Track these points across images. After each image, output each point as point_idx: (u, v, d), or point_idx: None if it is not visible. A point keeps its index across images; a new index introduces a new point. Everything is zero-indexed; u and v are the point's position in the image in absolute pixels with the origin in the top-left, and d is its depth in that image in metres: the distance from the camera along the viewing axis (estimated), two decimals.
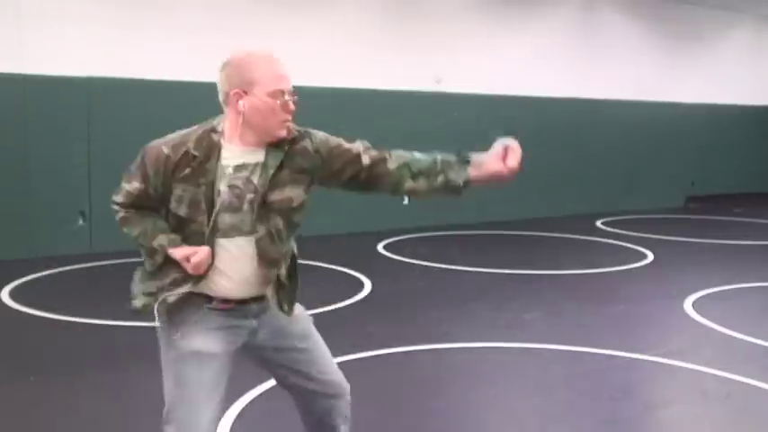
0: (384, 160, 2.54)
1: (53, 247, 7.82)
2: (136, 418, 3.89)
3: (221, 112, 2.51)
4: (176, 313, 2.50)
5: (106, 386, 4.31)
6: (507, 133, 2.50)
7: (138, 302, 2.54)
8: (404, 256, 8.28)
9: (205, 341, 2.49)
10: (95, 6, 7.98)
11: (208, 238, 2.44)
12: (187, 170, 2.42)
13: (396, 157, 2.55)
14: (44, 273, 7.08)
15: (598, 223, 11.06)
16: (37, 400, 4.10)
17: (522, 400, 4.28)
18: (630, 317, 6.07)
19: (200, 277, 2.46)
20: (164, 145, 2.45)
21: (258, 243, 2.46)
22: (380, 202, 9.43)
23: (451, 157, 2.54)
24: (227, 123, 2.48)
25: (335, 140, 2.57)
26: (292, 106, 2.47)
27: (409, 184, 2.54)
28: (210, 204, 2.42)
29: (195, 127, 2.51)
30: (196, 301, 2.50)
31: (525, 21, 11.32)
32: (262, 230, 2.46)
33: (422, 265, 7.83)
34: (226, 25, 8.69)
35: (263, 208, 2.45)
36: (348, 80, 9.59)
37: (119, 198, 2.55)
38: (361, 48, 9.73)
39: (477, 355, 5.04)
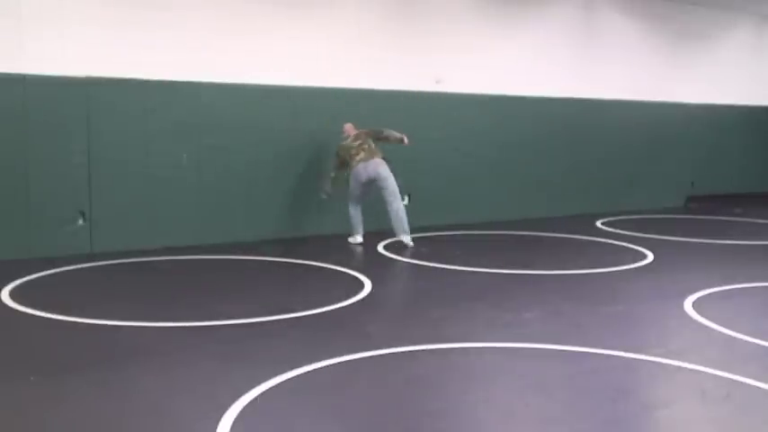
0: None
1: (53, 247, 7.82)
2: (136, 418, 3.89)
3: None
4: None
5: (106, 386, 4.31)
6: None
7: None
8: (404, 256, 8.29)
9: None
10: (95, 7, 7.98)
11: None
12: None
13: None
14: (44, 273, 7.08)
15: (598, 223, 11.06)
16: (37, 400, 4.10)
17: (521, 400, 4.28)
18: (630, 317, 6.07)
19: None
20: None
21: None
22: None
23: None
24: None
25: None
26: None
27: None
28: None
29: None
30: None
31: (525, 21, 11.32)
32: None
33: (422, 265, 7.83)
34: (225, 26, 8.71)
35: None
36: (348, 80, 9.60)
37: None
38: (361, 48, 9.73)
39: (476, 354, 5.04)
